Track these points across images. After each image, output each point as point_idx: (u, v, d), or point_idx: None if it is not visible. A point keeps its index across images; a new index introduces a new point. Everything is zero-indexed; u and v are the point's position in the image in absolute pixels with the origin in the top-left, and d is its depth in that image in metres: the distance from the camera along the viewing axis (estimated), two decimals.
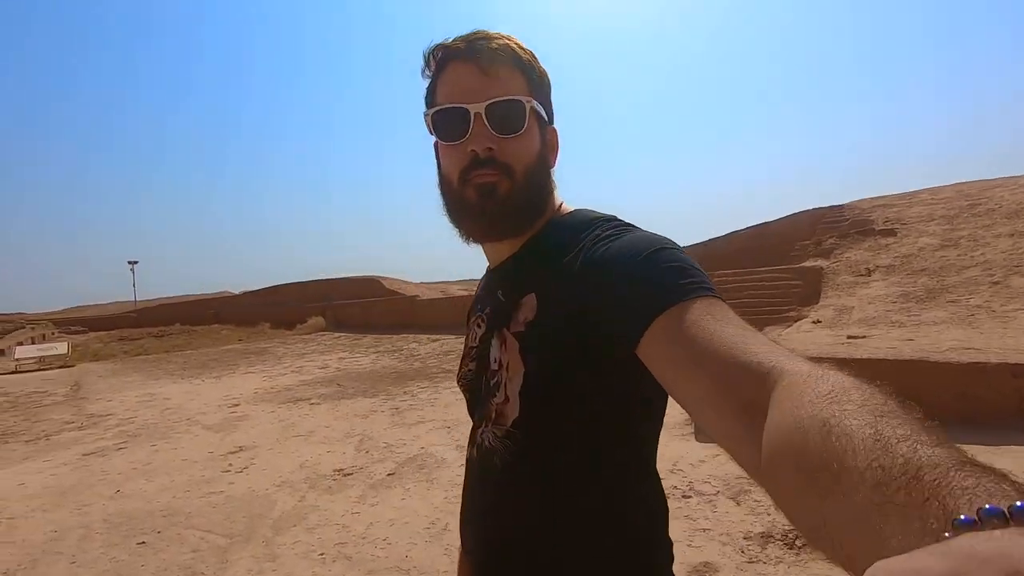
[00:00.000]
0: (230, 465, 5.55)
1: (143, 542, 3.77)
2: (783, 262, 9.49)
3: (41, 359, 19.87)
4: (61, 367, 18.79)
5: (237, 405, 9.04)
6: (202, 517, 4.13)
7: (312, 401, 8.83)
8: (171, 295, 55.49)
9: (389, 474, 4.75)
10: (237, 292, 48.25)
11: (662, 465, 3.76)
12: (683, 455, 4.28)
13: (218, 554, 3.47)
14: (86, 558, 3.61)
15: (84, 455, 6.54)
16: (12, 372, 18.25)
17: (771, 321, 6.20)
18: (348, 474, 4.87)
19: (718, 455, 4.14)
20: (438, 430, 6.24)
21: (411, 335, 19.83)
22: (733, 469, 3.80)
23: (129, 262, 49.99)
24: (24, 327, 36.47)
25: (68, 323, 45.22)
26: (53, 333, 37.74)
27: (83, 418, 9.01)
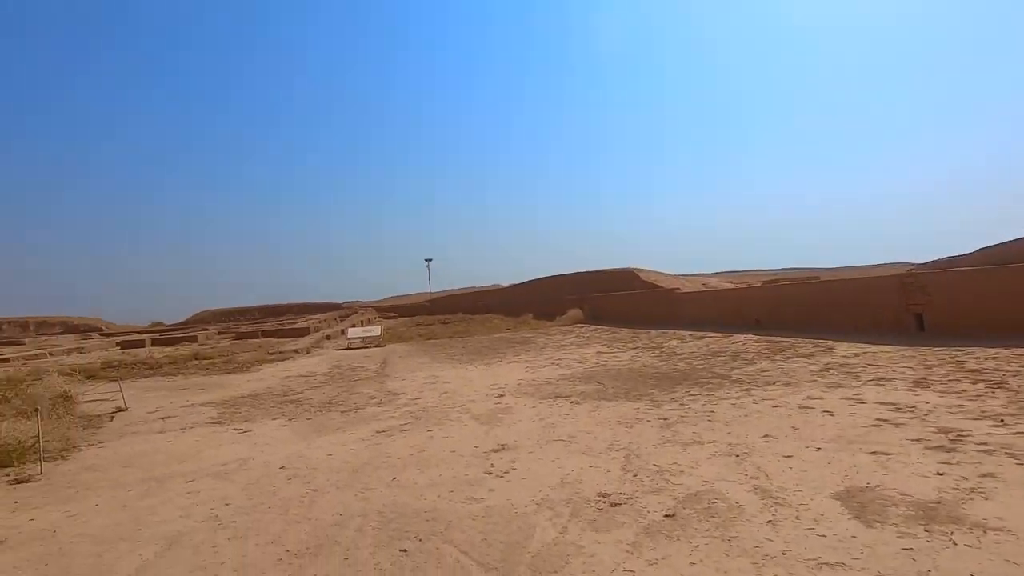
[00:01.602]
0: (492, 467, 5.27)
1: (405, 550, 3.54)
2: None
3: (364, 339, 24.54)
4: (376, 346, 22.85)
5: (502, 396, 9.16)
6: (461, 532, 3.77)
7: (572, 399, 8.37)
8: (456, 287, 64.50)
9: (667, 515, 3.74)
10: (506, 285, 53.30)
11: None
12: None
13: None
14: (357, 556, 3.52)
15: (377, 432, 7.19)
16: (345, 349, 22.91)
17: None
18: (616, 504, 4.03)
19: None
20: (722, 457, 4.97)
21: (671, 331, 18.41)
22: None
23: (426, 260, 59.68)
24: (357, 312, 46.41)
25: (385, 310, 56.20)
26: (375, 318, 47.24)
27: (383, 395, 10.28)
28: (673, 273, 35.39)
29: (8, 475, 6.12)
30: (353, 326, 32.37)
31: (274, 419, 8.62)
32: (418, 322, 38.08)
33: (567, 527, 3.68)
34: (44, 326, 50.32)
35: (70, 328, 48.96)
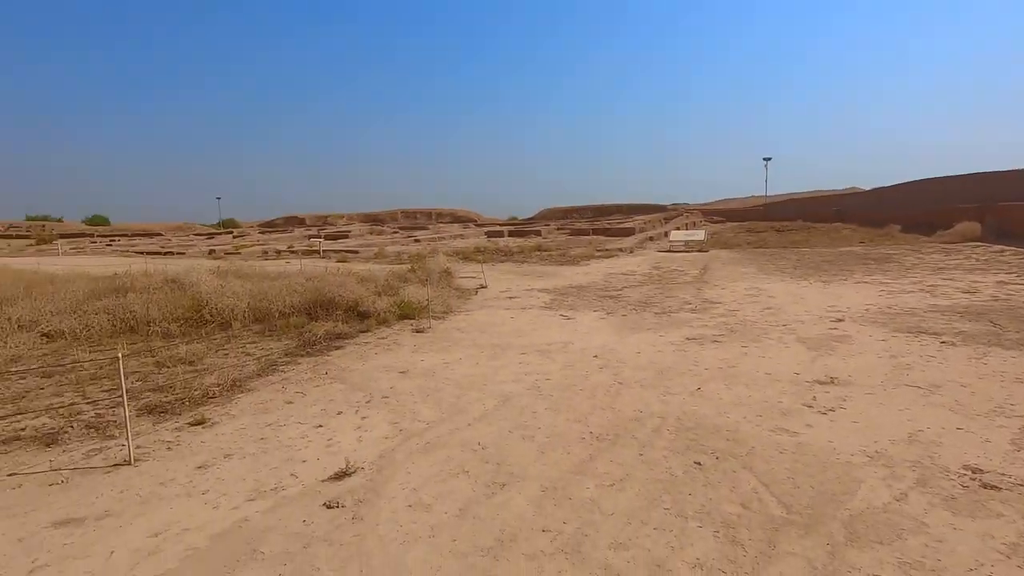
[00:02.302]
0: (814, 399, 4.60)
1: (699, 463, 3.46)
2: None
3: (687, 243, 24.05)
4: (698, 251, 22.16)
5: (840, 320, 7.79)
6: (764, 461, 3.45)
7: (943, 338, 6.53)
8: (797, 191, 56.33)
9: None
10: (866, 188, 43.78)
11: None
12: None
13: (766, 529, 2.71)
14: (651, 456, 3.61)
15: (687, 338, 7.08)
16: (667, 251, 22.94)
17: None
18: (992, 486, 3.03)
19: None
20: None
21: None
22: None
23: (764, 159, 53.40)
24: (681, 215, 45.54)
25: (711, 213, 53.54)
26: (701, 221, 45.59)
27: (698, 302, 9.99)
28: None
29: (411, 325, 8.38)
30: (677, 229, 32.03)
31: (594, 311, 9.36)
32: (748, 228, 35.10)
33: (907, 495, 2.97)
34: (440, 216, 65.56)
35: (456, 219, 62.59)
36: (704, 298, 10.35)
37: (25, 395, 5.35)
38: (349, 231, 40.58)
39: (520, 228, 38.70)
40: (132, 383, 5.56)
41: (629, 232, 30.66)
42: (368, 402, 4.95)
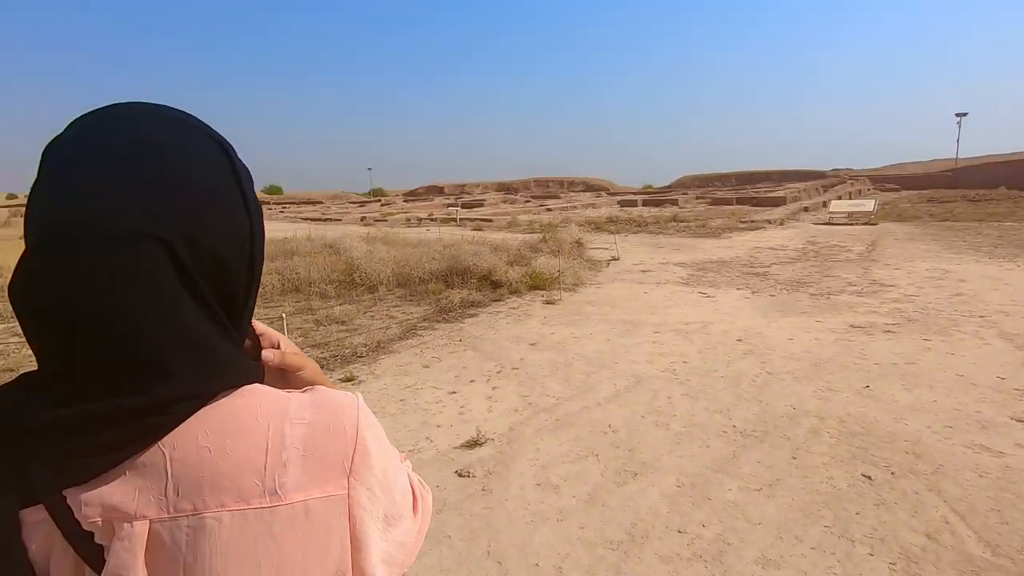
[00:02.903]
0: None
1: (869, 477, 2.98)
2: None
3: (850, 215, 21.20)
4: (865, 224, 19.43)
5: None
6: (957, 485, 2.87)
7: None
8: (1000, 152, 46.72)
9: None
10: None
11: None
12: None
13: (961, 571, 2.23)
14: (807, 461, 3.20)
15: (851, 326, 6.21)
16: (825, 223, 20.43)
17: None
18: None
19: None
20: None
21: None
22: None
23: (956, 115, 45.00)
24: (845, 183, 40.25)
25: (884, 180, 46.59)
26: (869, 190, 39.91)
27: (865, 283, 8.74)
28: None
29: (542, 296, 8.37)
30: (839, 198, 28.36)
31: (737, 289, 8.61)
32: (930, 197, 30.00)
33: None
34: (572, 185, 64.98)
35: (588, 187, 61.61)
36: (872, 279, 9.03)
37: None
38: (484, 200, 41.82)
39: (655, 197, 37.03)
40: (295, 339, 6.21)
41: (779, 202, 27.83)
42: (499, 372, 5.01)
